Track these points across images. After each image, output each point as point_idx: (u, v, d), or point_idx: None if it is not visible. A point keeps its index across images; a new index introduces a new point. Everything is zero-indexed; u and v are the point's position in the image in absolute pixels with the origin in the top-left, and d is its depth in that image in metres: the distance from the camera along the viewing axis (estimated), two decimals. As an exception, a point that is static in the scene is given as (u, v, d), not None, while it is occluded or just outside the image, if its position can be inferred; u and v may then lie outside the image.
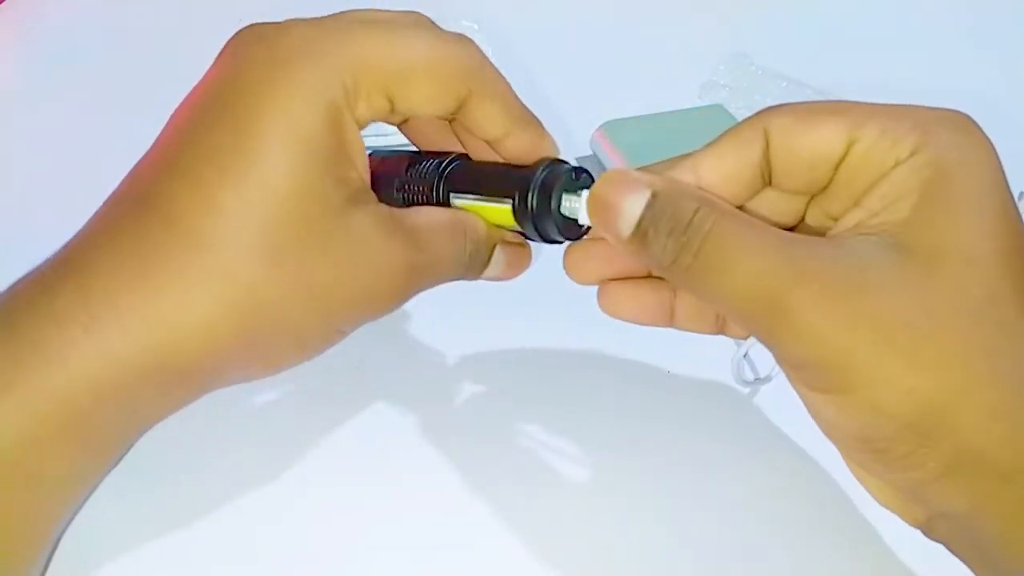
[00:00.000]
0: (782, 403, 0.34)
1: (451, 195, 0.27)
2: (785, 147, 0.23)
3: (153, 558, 0.28)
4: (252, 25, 0.25)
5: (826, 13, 0.59)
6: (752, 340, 0.25)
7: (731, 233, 0.21)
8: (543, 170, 0.25)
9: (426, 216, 0.25)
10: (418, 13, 0.26)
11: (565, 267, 0.27)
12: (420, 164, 0.27)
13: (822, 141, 0.22)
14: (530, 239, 0.27)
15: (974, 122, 0.23)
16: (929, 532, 0.24)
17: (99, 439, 0.22)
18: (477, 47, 0.26)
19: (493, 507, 0.31)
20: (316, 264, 0.22)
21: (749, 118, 0.24)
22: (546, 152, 0.27)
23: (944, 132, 0.22)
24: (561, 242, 0.26)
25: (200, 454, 0.31)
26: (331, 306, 0.23)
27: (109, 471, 0.24)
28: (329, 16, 0.25)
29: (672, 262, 0.22)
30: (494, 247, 0.27)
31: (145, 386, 0.22)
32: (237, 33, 0.25)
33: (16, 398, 0.20)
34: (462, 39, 0.25)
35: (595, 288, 0.27)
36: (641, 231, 0.22)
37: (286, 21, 0.24)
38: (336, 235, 0.23)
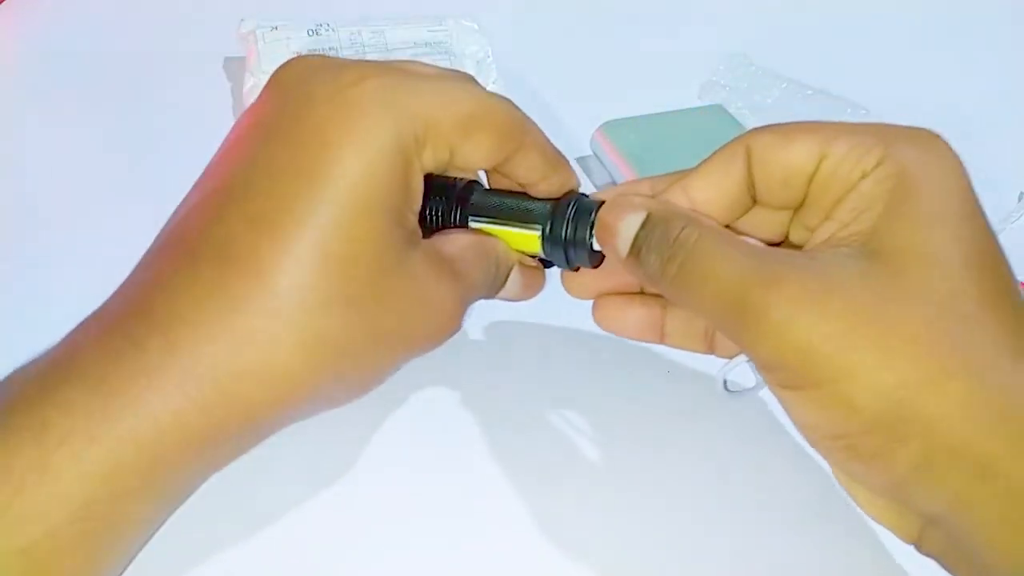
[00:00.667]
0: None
1: (470, 218, 0.28)
2: (764, 164, 0.25)
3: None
4: (306, 59, 0.26)
5: (826, 13, 0.59)
6: (737, 359, 0.25)
7: (711, 246, 0.23)
8: (575, 202, 0.27)
9: (459, 243, 0.27)
10: (464, 73, 0.28)
11: (563, 283, 0.29)
12: (435, 186, 0.28)
13: (796, 157, 0.24)
14: (549, 264, 0.29)
15: (939, 137, 0.24)
16: (921, 546, 0.24)
17: (177, 487, 0.23)
18: (516, 105, 0.27)
19: (492, 506, 0.31)
20: (383, 309, 0.24)
21: (734, 139, 0.26)
22: (572, 186, 0.29)
23: (907, 146, 0.23)
24: (580, 267, 0.28)
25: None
26: (395, 347, 0.25)
27: (173, 512, 0.24)
28: (391, 65, 0.26)
29: (660, 274, 0.24)
30: (511, 268, 0.29)
31: (226, 435, 0.22)
32: (290, 66, 0.26)
33: (105, 449, 0.21)
34: (505, 98, 0.27)
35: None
36: (636, 249, 0.25)
37: (347, 63, 0.25)
38: (399, 280, 0.24)
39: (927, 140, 0.24)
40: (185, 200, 0.25)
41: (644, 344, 0.35)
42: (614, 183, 0.44)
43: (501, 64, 0.49)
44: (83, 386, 0.21)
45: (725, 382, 0.27)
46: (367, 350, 0.24)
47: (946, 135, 0.48)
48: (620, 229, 0.25)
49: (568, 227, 0.27)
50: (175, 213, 0.25)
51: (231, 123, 0.45)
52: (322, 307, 0.22)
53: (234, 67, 0.49)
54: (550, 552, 0.30)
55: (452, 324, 0.26)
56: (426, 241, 0.26)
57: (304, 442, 0.32)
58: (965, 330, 0.21)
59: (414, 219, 0.25)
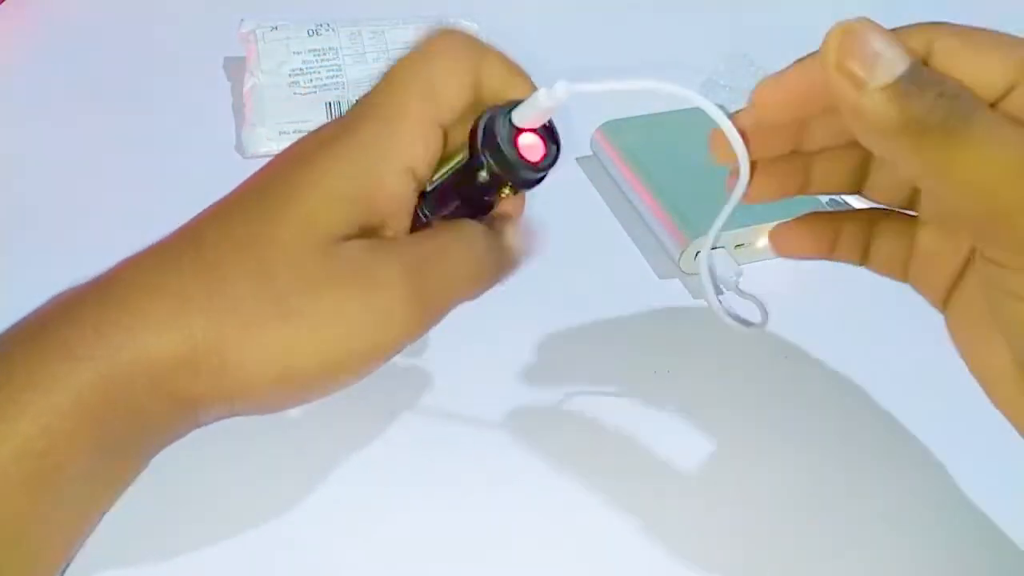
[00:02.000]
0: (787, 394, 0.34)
1: (435, 212, 0.27)
2: (944, 70, 0.22)
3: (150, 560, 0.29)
4: None
5: (825, 12, 0.59)
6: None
7: (996, 118, 0.20)
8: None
9: (437, 237, 0.26)
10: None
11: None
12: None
13: (984, 76, 0.22)
14: (499, 180, 0.26)
15: None
16: None
17: (112, 442, 0.23)
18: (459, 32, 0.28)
19: (492, 507, 0.31)
20: (301, 292, 0.23)
21: (911, 28, 0.23)
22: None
23: None
24: (530, 171, 0.27)
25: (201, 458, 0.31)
26: (320, 339, 0.23)
27: (122, 488, 0.25)
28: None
29: (940, 121, 0.20)
30: (511, 236, 0.28)
31: (153, 395, 0.23)
32: None
33: (39, 391, 0.22)
34: (448, 32, 0.28)
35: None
36: (897, 87, 0.20)
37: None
38: (330, 267, 0.23)
39: None
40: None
41: (642, 344, 0.35)
42: (615, 183, 0.44)
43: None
44: (28, 340, 0.23)
45: (735, 316, 0.27)
46: (290, 332, 0.23)
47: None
48: (889, 56, 0.21)
49: (481, 129, 0.25)
50: None
51: (231, 122, 0.46)
52: (248, 289, 0.23)
53: (234, 67, 0.49)
54: (553, 551, 0.30)
55: (409, 322, 0.24)
56: (382, 240, 0.25)
57: (302, 444, 0.32)
58: None
59: (385, 216, 0.25)
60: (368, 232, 0.24)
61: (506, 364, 0.35)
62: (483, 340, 0.35)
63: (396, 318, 0.24)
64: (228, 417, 0.24)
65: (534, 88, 0.28)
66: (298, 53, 0.48)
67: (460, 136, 0.26)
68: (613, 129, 0.45)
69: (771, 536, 0.31)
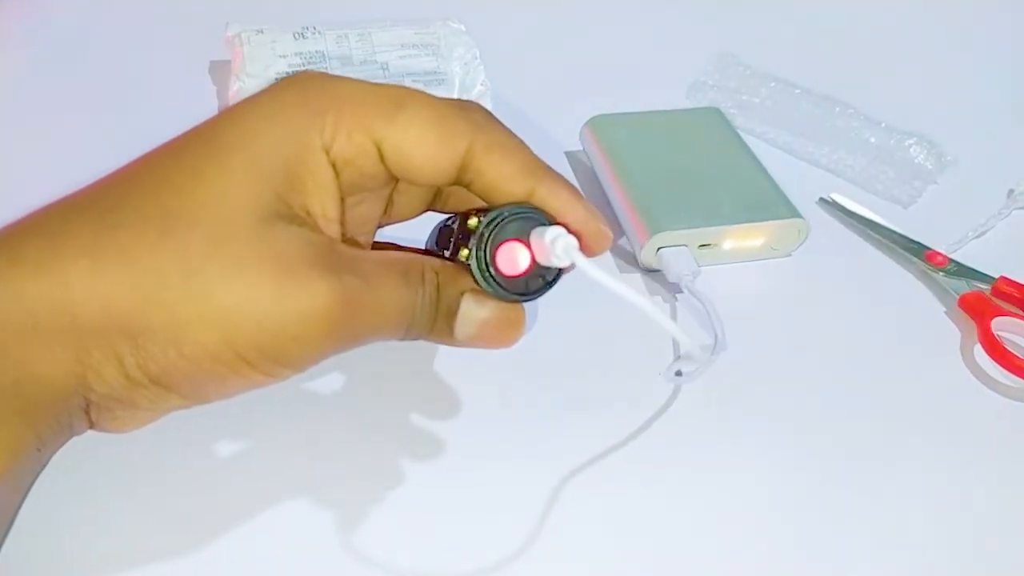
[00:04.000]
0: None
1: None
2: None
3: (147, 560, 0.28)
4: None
5: (814, 12, 0.59)
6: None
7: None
8: (496, 216, 0.24)
9: (380, 255, 0.24)
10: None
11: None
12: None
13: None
14: (532, 294, 0.25)
15: None
16: None
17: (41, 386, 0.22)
18: (481, 107, 0.25)
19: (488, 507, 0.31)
20: (223, 264, 0.22)
21: None
22: (597, 227, 0.25)
23: None
24: (533, 295, 0.25)
25: (198, 458, 0.31)
26: (224, 312, 0.22)
27: (56, 445, 0.24)
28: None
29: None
30: (460, 298, 0.25)
31: (32, 338, 0.21)
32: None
33: None
34: (464, 101, 0.25)
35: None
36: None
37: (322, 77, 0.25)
38: (257, 246, 0.22)
39: None
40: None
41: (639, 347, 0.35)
42: (597, 178, 0.44)
43: (489, 65, 0.49)
44: None
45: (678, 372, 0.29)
46: (204, 308, 0.22)
47: (934, 131, 0.48)
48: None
49: (484, 241, 0.23)
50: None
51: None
52: (170, 249, 0.22)
53: (219, 71, 0.49)
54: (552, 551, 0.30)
55: (329, 324, 0.22)
56: (324, 236, 0.24)
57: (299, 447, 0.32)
58: None
59: (304, 206, 0.23)
60: (292, 214, 0.23)
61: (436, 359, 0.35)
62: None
63: (306, 331, 0.22)
64: (133, 394, 0.23)
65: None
66: (284, 56, 0.47)
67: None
68: (600, 124, 0.45)
69: (760, 534, 0.31)
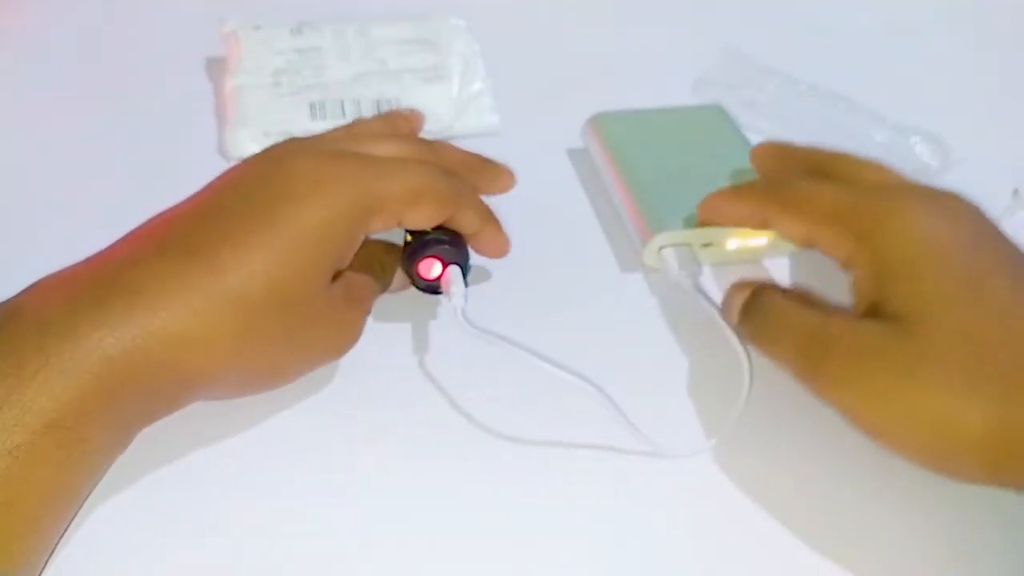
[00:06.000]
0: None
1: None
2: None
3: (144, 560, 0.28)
4: (296, 140, 0.34)
5: (820, 8, 0.58)
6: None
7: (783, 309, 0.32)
8: (412, 244, 0.35)
9: (354, 277, 0.33)
10: (423, 152, 0.35)
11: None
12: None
13: (797, 238, 0.34)
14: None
15: (913, 206, 0.31)
16: None
17: (123, 421, 0.27)
18: (460, 178, 0.35)
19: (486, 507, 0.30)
20: (306, 323, 0.30)
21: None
22: (500, 240, 0.36)
23: (879, 232, 0.30)
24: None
25: (195, 458, 0.31)
26: (309, 352, 0.31)
27: (119, 454, 0.28)
28: (360, 152, 0.33)
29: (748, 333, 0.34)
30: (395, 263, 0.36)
31: (162, 382, 0.27)
32: (291, 141, 0.34)
33: (72, 378, 0.25)
34: (446, 174, 0.34)
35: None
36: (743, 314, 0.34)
37: (332, 149, 0.33)
38: (322, 305, 0.30)
39: (903, 213, 0.30)
40: (161, 213, 0.30)
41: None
42: (598, 176, 0.43)
43: (490, 62, 0.48)
44: (54, 334, 0.25)
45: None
46: (288, 349, 0.30)
47: (940, 129, 0.48)
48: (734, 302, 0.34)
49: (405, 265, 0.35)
50: (151, 219, 0.30)
51: (213, 123, 0.45)
52: (259, 307, 0.28)
53: (215, 67, 0.48)
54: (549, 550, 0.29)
55: (354, 338, 0.33)
56: (344, 276, 0.32)
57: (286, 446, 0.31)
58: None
59: (345, 263, 0.31)
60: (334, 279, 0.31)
61: (450, 361, 0.35)
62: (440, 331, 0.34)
63: (343, 349, 0.33)
64: (208, 399, 0.29)
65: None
66: (281, 53, 0.47)
67: None
68: (602, 121, 0.44)
69: (753, 533, 0.30)
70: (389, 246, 0.36)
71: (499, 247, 0.36)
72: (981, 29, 0.59)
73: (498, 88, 0.48)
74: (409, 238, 0.35)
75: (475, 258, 0.36)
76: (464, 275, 0.35)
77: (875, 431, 0.28)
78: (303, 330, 0.30)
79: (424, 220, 0.33)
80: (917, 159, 0.46)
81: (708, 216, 0.37)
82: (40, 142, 0.44)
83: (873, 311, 0.29)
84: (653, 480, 0.32)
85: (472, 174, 0.37)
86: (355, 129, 0.38)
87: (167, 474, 0.30)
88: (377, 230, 0.32)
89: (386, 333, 0.36)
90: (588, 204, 0.43)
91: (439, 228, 0.35)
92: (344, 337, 0.32)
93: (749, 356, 0.34)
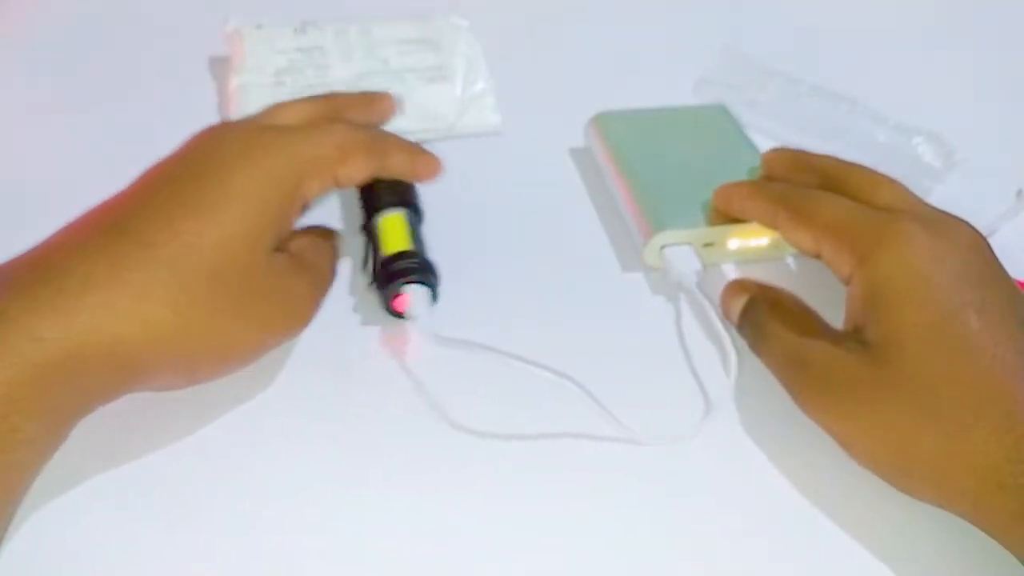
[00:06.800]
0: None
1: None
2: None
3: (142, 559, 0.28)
4: (219, 124, 0.34)
5: (823, 8, 0.58)
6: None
7: (775, 329, 0.34)
8: (381, 273, 0.35)
9: (301, 242, 0.33)
10: (331, 110, 0.37)
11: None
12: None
13: (803, 247, 0.36)
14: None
15: (916, 232, 0.31)
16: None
17: (57, 411, 0.26)
18: (384, 131, 0.37)
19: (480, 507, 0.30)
20: (249, 296, 0.29)
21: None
22: (435, 169, 0.37)
23: (880, 251, 0.31)
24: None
25: (192, 458, 0.31)
26: (257, 327, 0.30)
27: (56, 448, 0.27)
28: (276, 125, 0.34)
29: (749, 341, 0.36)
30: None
31: (97, 364, 0.26)
32: (212, 126, 0.34)
33: (2, 365, 0.24)
34: (366, 126, 0.36)
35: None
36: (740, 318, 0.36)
37: (251, 125, 0.34)
38: (264, 276, 0.30)
39: (903, 240, 0.31)
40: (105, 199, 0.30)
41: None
42: (600, 175, 0.43)
43: (492, 61, 0.48)
44: None
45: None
46: (231, 321, 0.29)
47: (943, 130, 0.48)
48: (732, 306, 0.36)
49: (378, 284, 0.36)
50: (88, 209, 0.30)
51: (216, 122, 0.45)
52: (194, 277, 0.28)
53: (219, 66, 0.48)
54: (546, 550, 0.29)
55: (304, 312, 0.32)
56: (289, 254, 0.32)
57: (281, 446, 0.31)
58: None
59: (286, 231, 0.32)
60: (279, 249, 0.31)
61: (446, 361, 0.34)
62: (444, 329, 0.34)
63: (294, 326, 0.32)
64: (155, 387, 0.29)
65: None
66: (283, 52, 0.47)
67: None
68: (604, 121, 0.44)
69: (749, 536, 0.30)
70: (322, 232, 0.36)
71: (434, 169, 0.37)
72: (985, 30, 0.59)
73: (500, 88, 0.48)
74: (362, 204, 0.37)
75: (476, 257, 0.36)
76: (433, 286, 0.35)
77: (845, 444, 0.31)
78: (245, 300, 0.29)
79: (359, 174, 0.34)
80: (919, 159, 0.46)
81: (722, 204, 0.38)
82: (42, 141, 0.44)
83: (856, 332, 0.31)
84: (650, 478, 0.32)
85: (358, 109, 0.38)
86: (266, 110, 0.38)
87: (129, 472, 0.31)
88: (315, 193, 0.32)
89: (366, 334, 0.36)
90: (590, 203, 0.43)
91: (404, 254, 0.35)
92: (293, 310, 0.31)
93: (737, 354, 0.34)
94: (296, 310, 0.32)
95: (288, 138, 0.32)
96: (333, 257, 0.35)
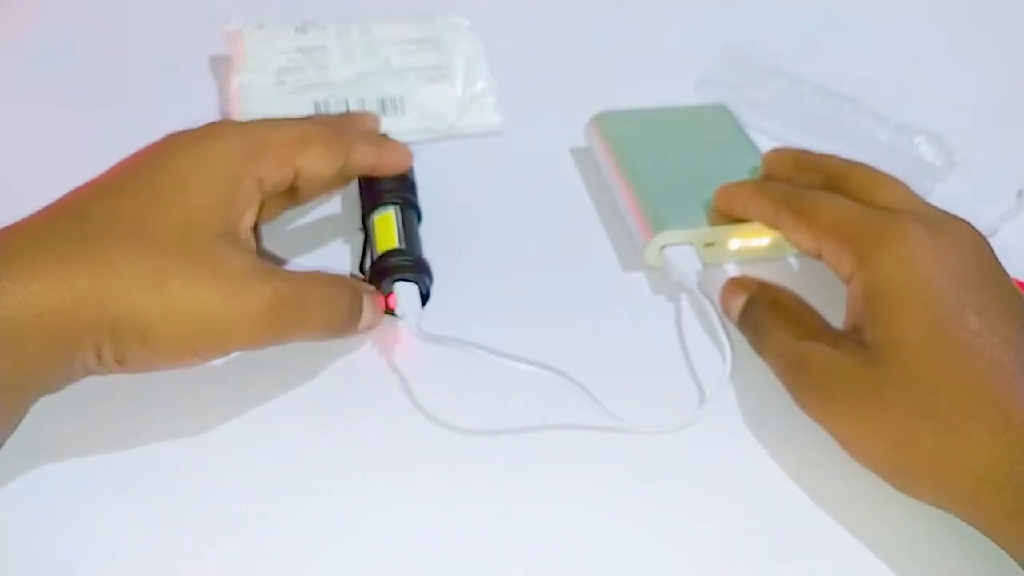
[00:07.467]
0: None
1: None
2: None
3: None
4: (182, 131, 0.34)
5: (824, 8, 0.58)
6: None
7: (773, 328, 0.35)
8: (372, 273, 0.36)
9: (310, 272, 0.33)
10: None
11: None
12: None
13: (804, 247, 0.36)
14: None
15: (916, 232, 0.31)
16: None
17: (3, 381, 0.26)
18: (348, 125, 0.38)
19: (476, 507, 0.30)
20: (188, 280, 0.28)
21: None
22: (402, 160, 0.38)
23: (880, 252, 0.31)
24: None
25: (191, 458, 0.31)
26: (196, 316, 0.28)
27: (8, 430, 0.27)
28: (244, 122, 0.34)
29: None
30: (362, 297, 0.34)
31: (38, 337, 0.26)
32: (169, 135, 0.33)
33: None
34: (331, 117, 0.37)
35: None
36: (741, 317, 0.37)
37: (222, 121, 0.34)
38: (211, 251, 0.29)
39: (903, 240, 0.31)
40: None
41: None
42: (601, 175, 0.43)
43: (493, 61, 0.48)
44: None
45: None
46: (155, 304, 0.28)
47: (944, 130, 0.48)
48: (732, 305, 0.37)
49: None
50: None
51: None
52: (119, 251, 0.28)
53: (220, 66, 0.48)
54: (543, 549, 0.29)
55: (256, 310, 0.29)
56: (254, 253, 0.31)
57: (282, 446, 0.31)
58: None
59: (239, 221, 0.31)
60: (234, 233, 0.31)
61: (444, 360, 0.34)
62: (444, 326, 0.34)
63: (246, 328, 0.29)
64: (102, 371, 0.28)
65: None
66: (284, 52, 0.47)
67: None
68: (605, 121, 0.44)
69: (748, 533, 0.30)
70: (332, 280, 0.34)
71: (401, 159, 0.37)
72: (987, 30, 0.59)
73: (501, 88, 0.48)
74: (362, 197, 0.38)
75: (477, 257, 0.36)
76: (426, 289, 0.36)
77: (844, 443, 0.31)
78: (186, 276, 0.28)
79: (322, 163, 0.34)
80: (920, 159, 0.46)
81: (723, 204, 0.38)
82: (43, 141, 0.44)
83: (856, 332, 0.32)
84: (647, 474, 0.32)
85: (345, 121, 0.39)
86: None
87: (158, 475, 0.31)
88: (273, 178, 0.32)
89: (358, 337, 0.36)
90: (591, 203, 0.43)
91: (395, 251, 0.35)
92: (243, 306, 0.29)
93: (733, 352, 0.34)
94: (245, 306, 0.29)
95: (246, 126, 0.33)
96: (331, 293, 0.32)
